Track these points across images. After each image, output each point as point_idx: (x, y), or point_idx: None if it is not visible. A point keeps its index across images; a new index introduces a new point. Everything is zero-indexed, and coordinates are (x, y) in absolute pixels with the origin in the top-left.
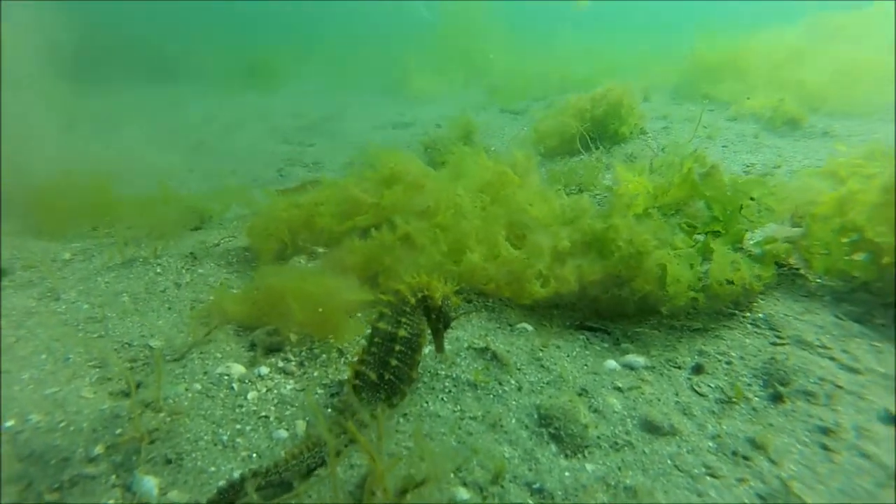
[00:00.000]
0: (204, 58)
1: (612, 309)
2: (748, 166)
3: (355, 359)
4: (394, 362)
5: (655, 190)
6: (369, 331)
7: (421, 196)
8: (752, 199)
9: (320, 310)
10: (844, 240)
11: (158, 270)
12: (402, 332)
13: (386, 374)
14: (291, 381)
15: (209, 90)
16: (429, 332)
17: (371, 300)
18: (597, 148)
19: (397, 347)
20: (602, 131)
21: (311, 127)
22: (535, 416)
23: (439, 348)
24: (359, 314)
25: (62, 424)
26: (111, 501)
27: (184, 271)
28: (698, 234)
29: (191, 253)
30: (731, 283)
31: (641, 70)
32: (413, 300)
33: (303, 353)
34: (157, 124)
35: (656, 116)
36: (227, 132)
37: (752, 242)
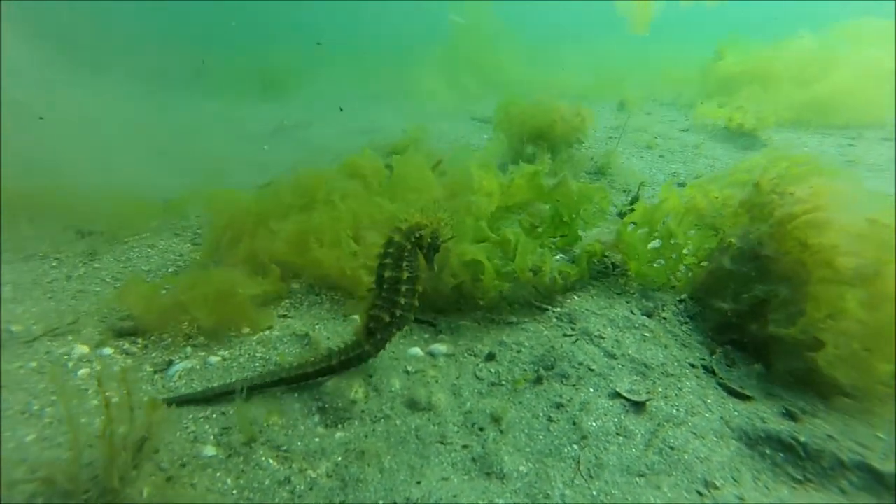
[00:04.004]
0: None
1: (441, 302)
2: (674, 175)
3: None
4: (402, 301)
5: (501, 188)
6: (375, 279)
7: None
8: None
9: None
10: (649, 246)
11: (54, 264)
12: (405, 275)
13: (396, 311)
14: (129, 361)
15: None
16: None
17: (263, 291)
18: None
19: (403, 288)
20: (543, 138)
21: (279, 133)
22: (313, 392)
23: (431, 269)
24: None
25: None
26: None
27: (79, 265)
28: (538, 230)
29: (92, 250)
30: (534, 272)
31: (649, 80)
32: (409, 245)
33: (152, 338)
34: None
35: (612, 126)
36: (199, 137)
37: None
